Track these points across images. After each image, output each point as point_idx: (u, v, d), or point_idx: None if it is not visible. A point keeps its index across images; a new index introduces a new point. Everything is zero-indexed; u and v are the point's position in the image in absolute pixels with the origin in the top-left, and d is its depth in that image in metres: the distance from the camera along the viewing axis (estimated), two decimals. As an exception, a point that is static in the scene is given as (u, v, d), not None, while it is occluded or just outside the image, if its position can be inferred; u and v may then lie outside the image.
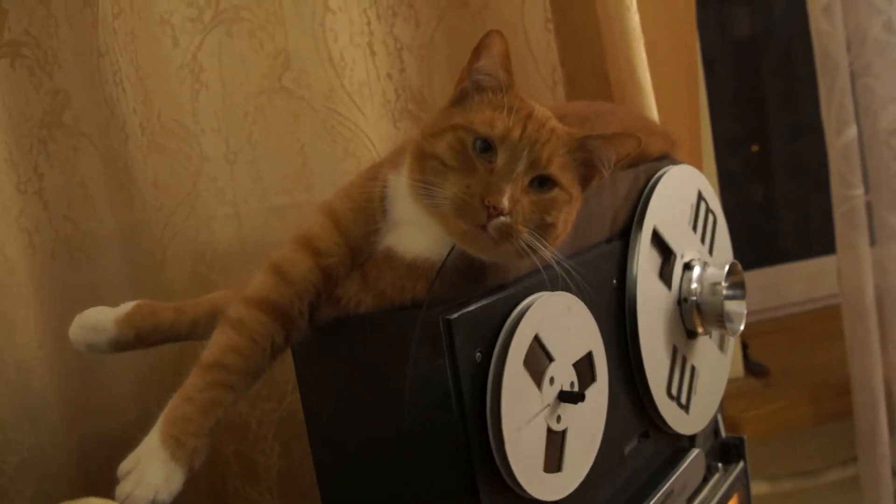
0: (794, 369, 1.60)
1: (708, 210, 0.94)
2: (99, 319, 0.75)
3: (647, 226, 0.84)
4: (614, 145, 0.68)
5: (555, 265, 0.65)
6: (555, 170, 0.65)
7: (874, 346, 1.40)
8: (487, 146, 0.64)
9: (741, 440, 1.01)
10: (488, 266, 0.67)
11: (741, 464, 1.00)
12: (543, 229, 0.64)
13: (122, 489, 0.61)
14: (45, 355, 0.89)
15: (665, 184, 0.87)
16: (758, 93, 1.95)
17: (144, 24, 0.93)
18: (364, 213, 0.70)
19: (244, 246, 0.97)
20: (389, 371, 0.66)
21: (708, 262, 0.90)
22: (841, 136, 1.37)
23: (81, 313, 0.75)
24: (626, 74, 1.05)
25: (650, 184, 0.87)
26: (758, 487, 1.48)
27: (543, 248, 0.64)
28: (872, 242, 1.41)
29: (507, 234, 0.62)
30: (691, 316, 0.87)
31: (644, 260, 0.83)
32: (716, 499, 0.92)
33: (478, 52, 0.67)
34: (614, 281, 0.82)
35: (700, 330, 0.88)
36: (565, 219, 0.67)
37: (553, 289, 0.68)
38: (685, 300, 0.87)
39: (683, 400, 0.88)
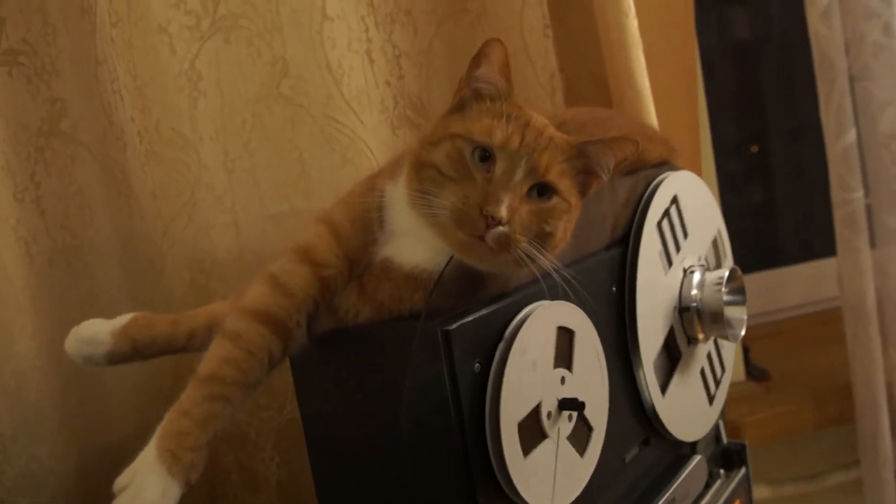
0: (796, 373, 1.60)
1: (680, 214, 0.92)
2: (95, 332, 0.74)
3: (646, 232, 0.84)
4: (612, 149, 0.67)
5: (554, 274, 0.64)
6: (553, 178, 0.65)
7: (875, 349, 1.40)
8: (486, 155, 0.64)
9: (743, 446, 1.00)
10: (486, 276, 0.67)
11: (743, 470, 0.99)
12: (542, 238, 0.64)
13: (119, 504, 0.61)
14: (43, 365, 0.89)
15: (664, 190, 0.87)
16: (757, 95, 1.95)
17: (142, 33, 0.93)
18: (362, 223, 0.70)
19: (242, 254, 0.97)
20: (388, 382, 0.66)
21: (707, 267, 0.90)
22: (840, 140, 1.36)
23: (77, 326, 0.75)
24: (624, 80, 1.05)
25: (649, 190, 0.86)
26: (760, 491, 1.47)
27: (542, 257, 0.63)
28: (873, 245, 1.41)
29: (505, 243, 0.61)
30: (692, 322, 0.87)
31: (643, 267, 0.83)
32: (718, 505, 0.91)
33: (477, 60, 0.67)
34: (613, 288, 0.81)
35: (701, 336, 0.88)
36: (564, 227, 0.66)
37: (552, 298, 0.68)
38: (685, 307, 0.87)
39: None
